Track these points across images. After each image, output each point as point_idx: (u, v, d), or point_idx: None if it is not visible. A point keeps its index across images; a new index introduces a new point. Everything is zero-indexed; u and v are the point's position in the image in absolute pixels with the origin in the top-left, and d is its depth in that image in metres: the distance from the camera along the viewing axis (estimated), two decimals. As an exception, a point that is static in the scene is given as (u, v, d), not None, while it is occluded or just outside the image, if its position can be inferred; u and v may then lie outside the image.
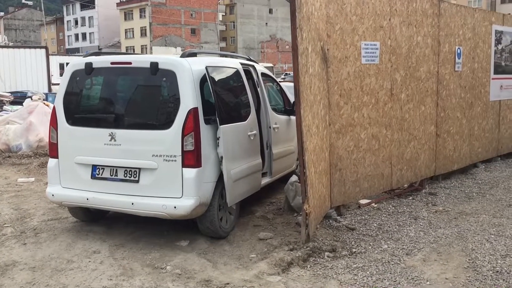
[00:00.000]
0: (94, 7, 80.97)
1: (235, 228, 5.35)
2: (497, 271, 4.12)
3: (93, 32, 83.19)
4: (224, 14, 77.93)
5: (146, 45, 69.67)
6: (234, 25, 75.80)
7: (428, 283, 3.94)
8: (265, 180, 6.14)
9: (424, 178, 7.29)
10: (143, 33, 72.17)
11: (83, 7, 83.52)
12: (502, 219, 5.66)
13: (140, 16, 72.15)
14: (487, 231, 5.17)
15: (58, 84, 21.45)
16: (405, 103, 6.79)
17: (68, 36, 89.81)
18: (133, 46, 72.34)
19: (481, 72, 8.44)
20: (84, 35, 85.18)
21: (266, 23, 75.58)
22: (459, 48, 7.79)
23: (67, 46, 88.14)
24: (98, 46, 76.37)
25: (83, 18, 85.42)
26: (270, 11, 74.76)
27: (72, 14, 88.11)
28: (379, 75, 6.34)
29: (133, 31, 74.43)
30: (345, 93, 5.90)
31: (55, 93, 17.46)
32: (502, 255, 4.47)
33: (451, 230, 5.24)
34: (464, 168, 8.18)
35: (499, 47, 8.91)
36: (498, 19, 8.91)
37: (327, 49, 5.64)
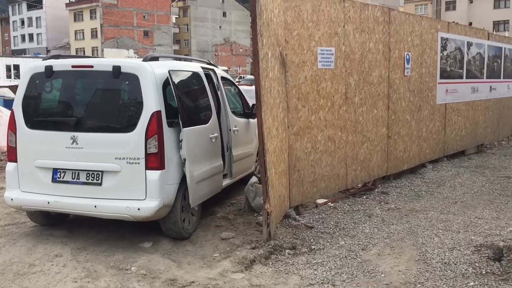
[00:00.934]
0: (41, 7, 78.28)
1: (197, 229, 5.45)
2: (445, 263, 4.44)
3: (40, 33, 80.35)
4: (177, 16, 77.33)
5: (97, 47, 68.07)
6: (187, 27, 75.42)
7: (382, 275, 4.20)
8: (226, 182, 6.28)
9: (377, 177, 7.64)
10: (93, 34, 70.47)
11: (30, 7, 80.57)
12: (449, 215, 6.04)
13: (91, 17, 70.44)
14: (436, 226, 5.53)
15: (5, 86, 20.68)
16: (359, 106, 7.10)
17: (14, 36, 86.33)
18: (84, 48, 70.51)
19: (428, 77, 8.92)
20: (31, 36, 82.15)
21: (220, 26, 75.47)
22: (408, 54, 8.21)
23: (13, 47, 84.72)
24: (46, 48, 73.92)
25: (30, 19, 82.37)
26: (224, 14, 74.76)
27: (19, 14, 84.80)
28: (335, 79, 6.61)
29: (83, 33, 72.54)
30: (303, 96, 6.12)
31: (3, 96, 16.80)
32: (450, 248, 4.81)
33: (403, 226, 5.56)
34: (413, 168, 8.62)
35: (445, 53, 9.43)
36: (444, 27, 9.44)
37: (286, 54, 5.84)
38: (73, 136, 4.88)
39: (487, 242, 4.94)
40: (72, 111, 5.24)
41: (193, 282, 4.12)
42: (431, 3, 50.15)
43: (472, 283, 3.99)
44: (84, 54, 62.44)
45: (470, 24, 57.98)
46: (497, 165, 9.49)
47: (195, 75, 5.77)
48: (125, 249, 4.88)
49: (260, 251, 4.69)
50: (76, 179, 4.93)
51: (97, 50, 67.24)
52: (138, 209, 4.71)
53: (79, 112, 5.16)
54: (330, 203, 6.62)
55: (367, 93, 7.25)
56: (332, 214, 6.09)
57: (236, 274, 4.27)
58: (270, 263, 4.53)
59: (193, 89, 5.80)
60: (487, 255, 4.58)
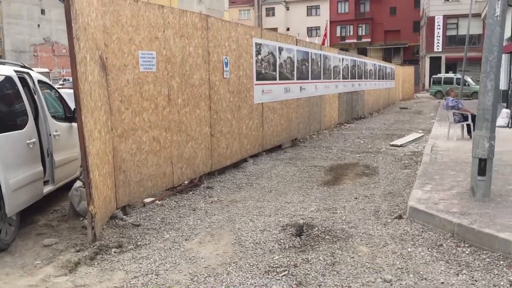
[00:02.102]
0: None
1: (16, 239, 5.24)
2: (257, 243, 5.06)
3: None
4: (-13, 11, 69.12)
5: None
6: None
7: (203, 260, 4.62)
8: (48, 188, 6.10)
9: (202, 174, 8.14)
10: None
11: None
12: (264, 202, 6.80)
13: None
14: (251, 213, 6.20)
15: None
16: (182, 107, 7.50)
17: None
18: None
19: (246, 79, 9.76)
20: None
21: (39, 25, 69.57)
22: (226, 57, 8.89)
23: None
24: None
25: None
26: (43, 11, 69.00)
27: None
28: (157, 82, 6.89)
29: None
30: (126, 99, 6.27)
31: None
32: (261, 230, 5.47)
33: (223, 215, 6.11)
34: (236, 163, 9.35)
35: (259, 57, 10.40)
36: (257, 33, 10.39)
37: (106, 58, 5.92)
38: None
39: (292, 221, 5.74)
40: None
41: (12, 291, 4.02)
42: (254, 8, 53.50)
43: (277, 257, 4.65)
44: None
45: (288, 29, 63.39)
46: (307, 156, 10.80)
47: (7, 79, 5.49)
48: None
49: (85, 253, 4.75)
50: None
51: None
52: None
53: None
54: (157, 201, 6.88)
55: (189, 94, 7.69)
56: (159, 211, 6.37)
57: (60, 277, 4.28)
58: (96, 263, 4.62)
59: (5, 93, 5.51)
60: (291, 232, 5.35)
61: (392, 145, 12.51)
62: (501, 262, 4.45)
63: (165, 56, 7.06)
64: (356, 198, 6.99)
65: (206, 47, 8.18)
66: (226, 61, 8.89)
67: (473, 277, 4.14)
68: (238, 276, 4.24)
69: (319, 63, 14.87)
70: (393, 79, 30.92)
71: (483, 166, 5.99)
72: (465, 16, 27.48)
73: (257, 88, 10.28)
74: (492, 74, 5.94)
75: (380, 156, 10.79)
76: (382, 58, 58.72)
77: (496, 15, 5.88)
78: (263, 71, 10.57)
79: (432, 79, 39.80)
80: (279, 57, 11.42)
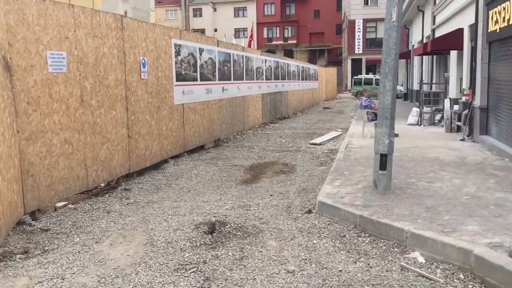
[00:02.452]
0: None
1: None
2: (169, 242, 5.12)
3: None
4: None
5: None
6: None
7: (112, 261, 4.61)
8: None
9: (120, 176, 8.04)
10: None
11: None
12: (180, 202, 6.85)
13: None
14: (166, 213, 6.23)
15: None
16: (96, 109, 7.37)
17: None
18: None
19: (165, 80, 9.74)
20: None
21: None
22: (143, 58, 8.83)
23: None
24: None
25: None
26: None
27: None
28: (68, 83, 6.73)
29: None
30: (33, 100, 6.08)
31: None
32: (174, 229, 5.54)
33: (138, 217, 6.10)
34: (156, 164, 9.31)
35: (179, 58, 10.42)
36: (176, 34, 10.40)
37: (10, 58, 5.72)
38: None
39: (205, 220, 5.85)
40: None
41: None
42: (181, 9, 53.04)
43: (187, 254, 4.74)
44: None
45: (216, 30, 63.43)
46: (229, 156, 10.96)
47: None
48: None
49: (-13, 261, 4.58)
50: None
51: None
52: None
53: None
54: (70, 204, 6.73)
55: (104, 95, 7.57)
56: (71, 215, 6.23)
57: (-43, 287, 4.10)
58: (-1, 270, 4.47)
59: None
60: (203, 230, 5.46)
61: (312, 144, 12.98)
62: (396, 249, 4.83)
63: (76, 56, 6.91)
64: (271, 195, 7.23)
65: (121, 47, 8.09)
66: (143, 62, 8.84)
67: (368, 264, 4.47)
68: (147, 275, 4.28)
69: (242, 64, 15.10)
70: (317, 80, 31.96)
71: (384, 161, 6.43)
72: (383, 20, 28.94)
73: (177, 89, 10.28)
74: (390, 75, 6.40)
75: (299, 155, 11.17)
76: (308, 59, 60.48)
77: (392, 20, 6.33)
78: (183, 72, 10.60)
79: (353, 80, 41.60)
80: (200, 58, 11.50)
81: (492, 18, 10.89)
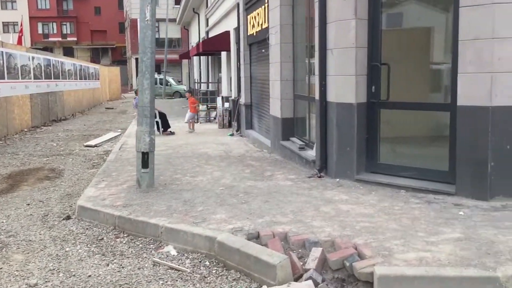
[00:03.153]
0: None
1: None
2: None
3: None
4: None
5: None
6: None
7: None
8: None
9: None
10: None
11: None
12: None
13: None
14: None
15: None
16: None
17: None
18: None
19: None
20: None
21: None
22: None
23: None
24: None
25: None
26: None
27: None
28: None
29: None
30: None
31: None
32: None
33: None
34: None
35: None
36: None
37: None
38: None
39: None
40: None
41: None
42: None
43: None
44: None
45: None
46: (-16, 165, 9.65)
47: None
48: None
49: None
50: None
51: None
52: None
53: None
54: None
55: None
56: None
57: None
58: None
59: None
60: None
61: (86, 146, 12.36)
62: (151, 245, 4.86)
63: None
64: (28, 205, 6.59)
65: None
66: None
67: (121, 265, 4.38)
68: None
69: (2, 62, 13.51)
70: (98, 79, 30.71)
71: (146, 159, 6.45)
72: (163, 20, 29.30)
73: None
74: (148, 74, 6.45)
75: (70, 158, 10.51)
76: (91, 58, 57.67)
77: (146, 19, 6.38)
78: None
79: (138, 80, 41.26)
80: None
81: (250, 23, 11.96)
